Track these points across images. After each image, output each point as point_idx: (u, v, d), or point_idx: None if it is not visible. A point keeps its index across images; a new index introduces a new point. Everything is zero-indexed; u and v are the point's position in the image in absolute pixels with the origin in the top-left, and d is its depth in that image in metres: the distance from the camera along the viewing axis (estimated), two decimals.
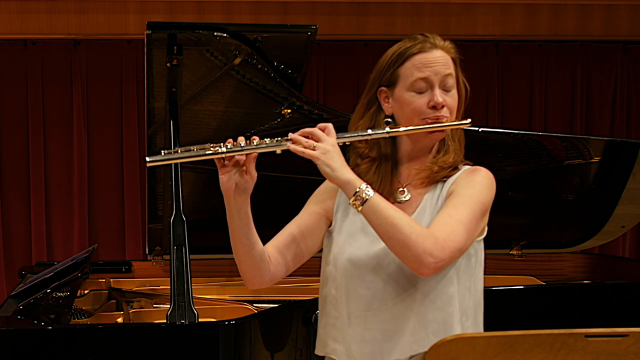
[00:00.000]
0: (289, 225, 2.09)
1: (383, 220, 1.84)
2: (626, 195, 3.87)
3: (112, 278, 3.81)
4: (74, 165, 5.65)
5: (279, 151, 1.90)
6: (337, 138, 1.91)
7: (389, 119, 2.01)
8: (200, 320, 2.87)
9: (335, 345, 2.03)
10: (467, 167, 2.05)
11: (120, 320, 3.22)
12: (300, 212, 2.10)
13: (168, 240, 3.04)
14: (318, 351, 2.11)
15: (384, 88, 2.01)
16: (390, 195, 2.00)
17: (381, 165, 2.01)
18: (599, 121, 6.03)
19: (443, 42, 2.02)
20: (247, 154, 1.92)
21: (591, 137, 4.48)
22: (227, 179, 1.93)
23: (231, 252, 3.58)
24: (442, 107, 1.97)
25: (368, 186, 1.86)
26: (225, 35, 3.18)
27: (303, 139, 1.88)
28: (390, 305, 1.95)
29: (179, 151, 1.88)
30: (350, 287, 1.99)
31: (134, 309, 3.35)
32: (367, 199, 1.84)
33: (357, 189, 1.85)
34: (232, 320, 2.88)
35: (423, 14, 5.72)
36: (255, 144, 1.90)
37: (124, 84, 5.67)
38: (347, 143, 1.97)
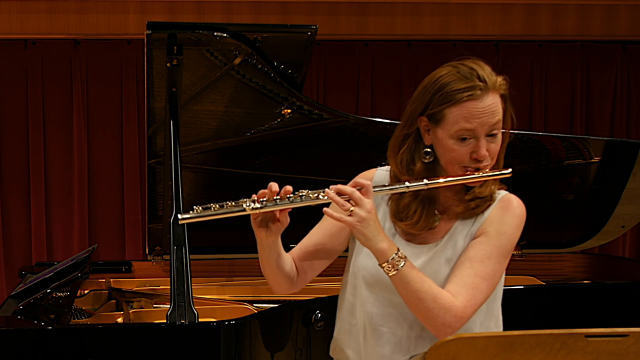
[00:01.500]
0: (314, 232, 2.09)
1: (410, 293, 1.86)
2: (626, 195, 3.87)
3: (112, 278, 3.81)
4: (74, 165, 5.65)
5: (313, 205, 1.87)
6: (375, 191, 1.88)
7: (429, 149, 1.96)
8: (200, 320, 2.87)
9: (349, 351, 2.04)
10: (500, 194, 2.01)
11: (120, 320, 3.22)
12: (321, 222, 2.09)
13: (168, 240, 3.04)
14: (332, 354, 2.11)
15: (425, 118, 1.95)
16: (428, 218, 1.99)
17: (424, 203, 1.98)
18: (599, 121, 6.03)
19: (495, 80, 1.94)
20: (280, 210, 1.89)
21: (591, 137, 4.48)
22: (258, 224, 1.92)
23: (231, 252, 3.58)
24: (484, 158, 1.92)
25: (400, 256, 1.85)
26: (225, 35, 3.18)
27: (340, 200, 1.84)
28: (405, 325, 1.97)
29: (213, 207, 1.88)
30: (368, 301, 1.99)
31: (134, 309, 3.35)
32: (397, 270, 1.85)
33: (390, 259, 1.85)
34: (233, 320, 2.89)
35: (423, 14, 5.72)
36: (289, 198, 1.86)
37: (124, 84, 5.66)
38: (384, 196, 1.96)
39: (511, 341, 1.67)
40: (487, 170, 1.94)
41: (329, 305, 3.05)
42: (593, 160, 3.80)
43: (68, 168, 5.67)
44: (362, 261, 2.01)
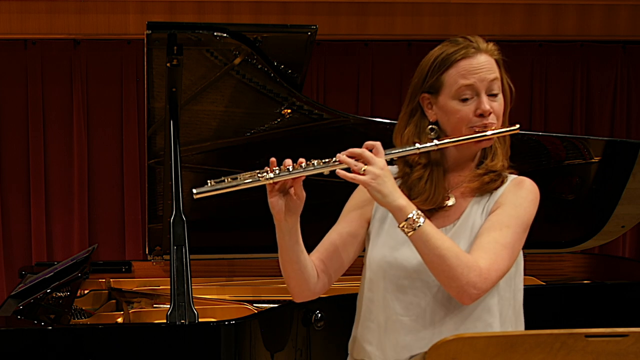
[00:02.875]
0: (330, 235, 2.07)
1: (431, 251, 1.83)
2: (626, 195, 3.87)
3: (112, 278, 3.81)
4: (74, 165, 5.65)
5: (326, 172, 1.85)
6: (386, 154, 1.87)
7: (434, 126, 1.97)
8: (200, 320, 2.87)
9: (370, 348, 2.02)
10: (512, 176, 2.02)
11: (120, 320, 3.22)
12: (339, 220, 2.08)
13: (168, 240, 3.04)
14: (352, 354, 2.10)
15: (426, 95, 1.97)
16: (437, 199, 1.98)
17: (433, 172, 1.97)
18: (599, 121, 6.03)
19: (486, 44, 1.99)
20: (294, 178, 1.87)
21: (591, 137, 4.47)
22: (276, 202, 1.91)
23: (231, 252, 3.59)
24: (490, 114, 1.93)
25: (419, 213, 1.84)
26: (225, 35, 3.18)
27: (352, 161, 1.83)
28: (428, 313, 1.96)
29: (226, 180, 1.87)
30: (388, 292, 1.98)
31: (134, 309, 3.35)
32: (417, 227, 1.83)
33: (409, 216, 1.83)
34: (233, 320, 2.89)
35: (423, 14, 5.72)
36: (302, 166, 1.85)
37: (124, 84, 5.66)
38: (394, 159, 1.94)
39: (511, 341, 1.68)
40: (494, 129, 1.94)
41: (329, 305, 3.05)
42: (593, 160, 3.80)
43: (68, 168, 5.68)
44: (377, 252, 2.00)
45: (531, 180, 2.01)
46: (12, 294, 3.32)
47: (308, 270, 1.99)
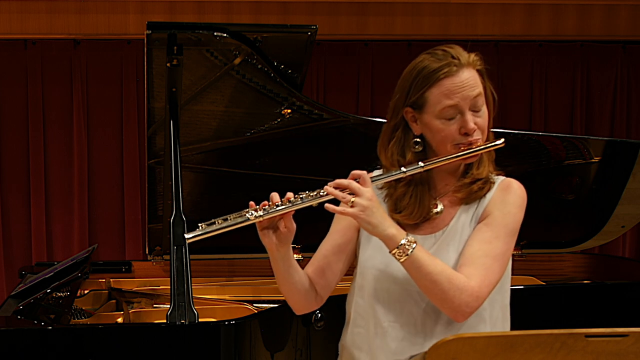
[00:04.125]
0: (322, 247, 2.08)
1: (424, 276, 1.85)
2: (626, 195, 3.87)
3: (112, 278, 3.81)
4: (74, 165, 5.65)
5: (315, 205, 1.85)
6: (372, 181, 1.87)
7: (418, 139, 1.97)
8: (200, 320, 2.87)
9: (360, 354, 2.03)
10: (499, 178, 2.03)
11: (120, 320, 3.22)
12: (330, 232, 2.09)
13: (168, 240, 3.04)
14: (341, 353, 2.10)
15: (410, 109, 1.97)
16: (425, 207, 1.99)
17: (417, 187, 1.98)
18: (599, 121, 6.03)
19: (468, 56, 1.97)
20: (282, 215, 1.87)
21: (591, 137, 4.47)
22: (266, 236, 1.90)
23: (231, 252, 3.59)
24: (474, 131, 1.93)
25: (410, 240, 1.84)
26: (225, 35, 3.18)
27: (339, 194, 1.83)
28: (419, 320, 1.96)
29: (217, 222, 1.85)
30: (379, 299, 1.98)
31: (134, 309, 3.35)
32: (408, 254, 1.84)
33: (400, 244, 1.84)
34: (233, 320, 2.89)
35: (423, 14, 5.72)
36: (290, 201, 1.85)
37: (124, 84, 5.66)
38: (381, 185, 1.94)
39: (511, 341, 1.67)
40: (480, 144, 1.95)
41: (329, 305, 3.04)
42: (593, 160, 3.80)
43: (68, 168, 5.67)
44: (369, 260, 2.00)
45: (518, 182, 2.03)
46: (12, 294, 3.32)
47: (305, 287, 2.01)
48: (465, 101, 1.92)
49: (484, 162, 2.00)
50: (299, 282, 1.99)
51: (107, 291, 3.68)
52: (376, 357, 1.98)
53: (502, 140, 1.98)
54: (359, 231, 2.05)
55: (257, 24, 5.10)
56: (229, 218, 1.86)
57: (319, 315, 3.03)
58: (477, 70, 1.98)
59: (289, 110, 3.50)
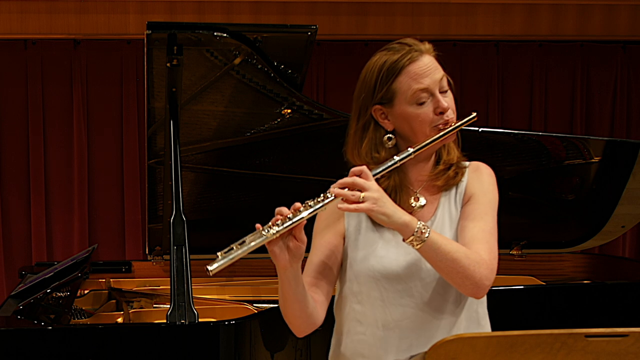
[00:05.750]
0: (312, 263, 2.04)
1: (443, 257, 1.85)
2: (626, 195, 3.87)
3: (112, 278, 3.82)
4: (74, 165, 5.65)
5: (325, 210, 1.84)
6: (373, 174, 1.87)
7: (390, 135, 1.98)
8: (200, 320, 2.87)
9: None
10: (467, 163, 2.07)
11: (120, 320, 3.22)
12: (313, 248, 2.05)
13: (168, 240, 3.04)
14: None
15: (378, 106, 1.98)
16: (405, 205, 1.98)
17: (395, 181, 1.98)
18: (599, 121, 6.03)
19: (425, 44, 2.01)
20: (297, 224, 1.83)
21: (591, 137, 4.47)
22: (279, 252, 1.85)
23: None
24: (448, 109, 1.96)
25: (424, 225, 1.85)
26: (225, 35, 3.18)
27: (348, 193, 1.82)
28: (420, 315, 1.96)
29: (235, 247, 1.80)
30: (380, 299, 1.97)
31: (134, 309, 3.35)
32: (425, 239, 1.84)
33: (415, 230, 1.83)
34: (232, 320, 2.89)
35: (423, 14, 5.72)
36: (300, 211, 1.82)
37: (124, 84, 5.67)
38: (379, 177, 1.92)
39: (511, 341, 1.67)
40: (456, 121, 1.98)
41: (329, 305, 3.05)
42: (593, 160, 3.80)
43: (68, 168, 5.68)
44: (363, 264, 1.99)
45: (484, 163, 2.08)
46: (12, 294, 3.32)
47: (310, 306, 1.96)
48: (434, 83, 1.95)
49: (452, 147, 2.04)
50: (306, 300, 1.94)
51: (107, 291, 3.68)
52: (384, 358, 1.98)
53: (475, 113, 2.01)
54: (344, 239, 2.04)
55: (257, 24, 5.10)
56: (245, 241, 1.80)
57: None
58: (435, 57, 2.03)
59: (289, 110, 3.51)
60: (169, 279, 2.95)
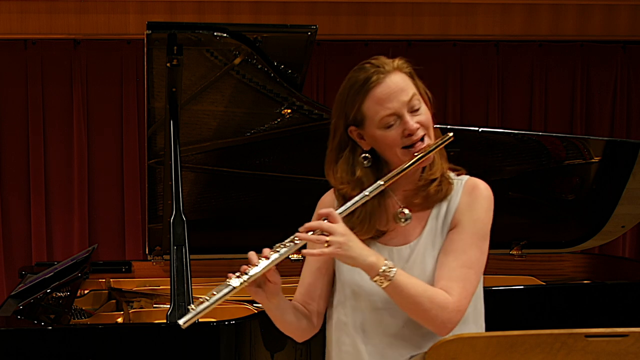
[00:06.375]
0: (305, 274, 2.09)
1: (405, 299, 1.86)
2: (626, 195, 3.87)
3: (112, 278, 3.81)
4: (74, 165, 5.65)
5: (293, 257, 1.88)
6: (341, 213, 1.88)
7: (367, 154, 1.98)
8: (200, 320, 2.86)
9: None
10: (462, 179, 2.01)
11: (120, 320, 3.22)
12: (307, 260, 2.09)
13: (168, 240, 3.04)
14: None
15: (353, 127, 1.97)
16: (387, 222, 1.99)
17: (367, 202, 1.96)
18: (599, 121, 6.03)
19: (393, 62, 1.96)
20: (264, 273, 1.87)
21: (591, 137, 4.48)
22: (255, 293, 1.92)
23: (231, 252, 3.58)
24: (417, 129, 1.93)
25: (390, 266, 1.85)
26: (225, 35, 3.18)
27: (313, 237, 1.83)
28: (401, 328, 1.96)
29: (206, 299, 1.83)
30: (365, 313, 1.98)
31: (134, 309, 3.35)
32: (390, 280, 1.84)
33: (380, 271, 1.84)
34: (233, 320, 2.89)
35: (423, 14, 5.72)
36: (270, 258, 1.85)
37: (124, 84, 5.66)
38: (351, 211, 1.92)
39: (511, 341, 1.68)
40: (429, 143, 1.95)
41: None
42: (593, 160, 3.80)
43: (68, 168, 5.68)
44: (347, 276, 2.00)
45: (483, 182, 2.01)
46: (12, 294, 3.32)
47: (301, 320, 2.04)
48: (400, 105, 1.92)
49: (435, 161, 1.99)
50: (294, 320, 2.02)
51: (107, 291, 3.68)
52: None
53: (451, 134, 1.97)
54: None
55: (257, 24, 5.10)
56: (215, 292, 1.84)
57: None
58: (407, 73, 1.97)
59: (289, 110, 3.50)
60: (169, 279, 2.95)
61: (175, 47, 3.15)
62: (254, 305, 3.28)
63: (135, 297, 3.52)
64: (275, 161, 3.71)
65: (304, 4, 5.62)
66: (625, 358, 1.68)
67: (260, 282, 1.89)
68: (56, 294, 3.25)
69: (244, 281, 1.83)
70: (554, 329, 1.67)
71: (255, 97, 3.44)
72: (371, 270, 1.85)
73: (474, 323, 2.01)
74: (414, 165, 1.92)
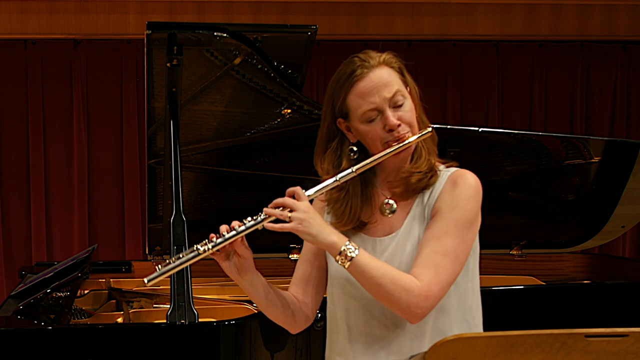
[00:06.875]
0: (299, 264, 2.11)
1: (367, 280, 1.85)
2: (626, 195, 3.87)
3: (112, 278, 3.82)
4: (74, 165, 5.65)
5: (260, 228, 1.88)
6: (308, 195, 1.89)
7: (354, 147, 1.98)
8: (200, 320, 2.87)
9: (340, 359, 2.03)
10: (450, 171, 2.00)
11: (120, 320, 3.22)
12: (302, 252, 2.12)
13: (168, 240, 3.04)
14: None
15: (341, 119, 1.98)
16: (371, 213, 1.99)
17: (349, 192, 1.98)
18: (599, 121, 6.03)
19: (380, 57, 1.97)
20: (230, 243, 1.89)
21: (591, 137, 4.48)
22: (227, 267, 1.94)
23: None
24: (399, 125, 1.92)
25: (351, 246, 1.85)
26: (225, 35, 3.18)
27: (277, 212, 1.85)
28: (388, 319, 1.96)
29: (172, 261, 1.87)
30: (349, 304, 2.00)
31: (134, 309, 3.35)
32: (351, 259, 1.84)
33: (341, 249, 1.84)
34: (233, 320, 2.89)
35: (423, 14, 5.72)
36: (235, 229, 1.88)
37: (124, 84, 5.67)
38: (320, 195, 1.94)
39: (511, 341, 1.68)
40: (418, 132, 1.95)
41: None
42: (593, 160, 3.80)
43: (68, 168, 5.68)
44: (335, 267, 2.00)
45: (471, 173, 1.98)
46: (12, 294, 3.33)
47: (289, 309, 2.04)
48: (382, 100, 1.92)
49: (421, 155, 1.98)
50: (280, 304, 2.02)
51: (107, 291, 3.68)
52: (355, 358, 1.99)
53: (430, 129, 1.96)
54: None
55: (257, 24, 5.10)
56: (181, 256, 1.88)
57: (319, 315, 3.03)
58: (394, 68, 1.98)
59: (289, 110, 3.51)
60: (169, 279, 2.95)
61: (175, 47, 3.15)
62: (254, 305, 3.28)
63: (135, 297, 3.52)
64: (275, 161, 3.72)
65: (304, 4, 5.62)
66: (625, 358, 1.68)
67: (229, 254, 1.92)
68: (56, 294, 3.25)
69: (209, 248, 1.86)
70: (554, 329, 1.67)
71: (255, 97, 3.44)
72: (332, 249, 1.85)
73: (473, 317, 1.99)
74: (388, 155, 1.92)
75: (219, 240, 1.88)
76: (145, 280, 1.88)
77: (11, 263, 5.67)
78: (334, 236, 1.86)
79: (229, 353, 2.84)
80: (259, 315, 3.04)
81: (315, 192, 1.92)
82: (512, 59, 5.92)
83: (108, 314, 3.36)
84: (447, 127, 3.63)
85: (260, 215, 1.88)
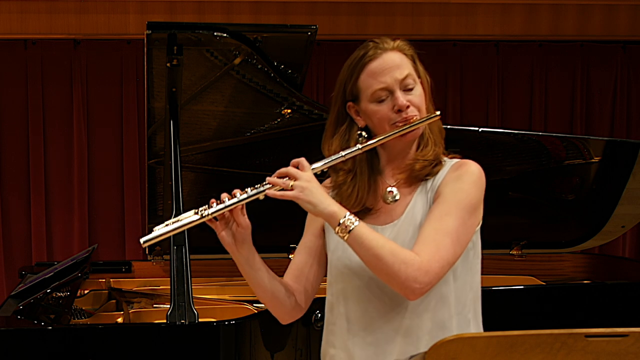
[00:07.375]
0: (296, 253, 2.10)
1: (367, 251, 1.84)
2: (626, 195, 3.87)
3: (112, 278, 3.82)
4: (74, 165, 5.66)
5: (261, 197, 1.88)
6: (312, 168, 1.90)
7: (362, 132, 1.99)
8: (200, 320, 2.87)
9: (334, 351, 2.03)
10: (453, 161, 2.02)
11: (120, 320, 3.22)
12: (303, 235, 2.11)
13: (168, 240, 3.04)
14: (322, 358, 2.11)
15: (351, 103, 2.00)
16: (375, 200, 2.00)
17: (357, 175, 1.99)
18: (599, 121, 6.03)
19: (393, 42, 1.98)
20: (230, 210, 1.90)
21: (591, 137, 4.48)
22: (225, 235, 1.95)
23: None
24: (408, 107, 1.94)
25: (352, 217, 1.85)
26: (225, 35, 3.18)
27: (280, 181, 1.86)
28: (387, 309, 1.95)
29: (169, 224, 1.88)
30: (347, 294, 1.99)
31: (134, 309, 3.35)
32: (351, 229, 1.84)
33: (341, 220, 1.84)
34: (233, 320, 2.89)
35: (423, 14, 5.72)
36: (237, 197, 1.88)
37: (124, 84, 5.67)
38: (324, 170, 1.95)
39: (511, 341, 1.68)
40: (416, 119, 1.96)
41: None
42: (593, 160, 3.81)
43: (68, 168, 5.68)
44: (334, 256, 2.02)
45: (474, 162, 1.99)
46: (12, 294, 3.33)
47: (281, 294, 2.02)
48: (394, 81, 1.94)
49: (428, 144, 2.00)
50: (273, 288, 2.00)
51: (107, 291, 3.68)
52: (353, 353, 1.98)
53: (438, 113, 1.98)
54: (324, 232, 2.07)
55: (257, 24, 5.10)
56: (179, 219, 1.88)
57: (319, 315, 3.03)
58: (410, 56, 2.00)
59: (289, 110, 3.51)
60: (169, 279, 2.95)
61: (175, 47, 3.15)
62: (254, 305, 3.29)
63: (135, 297, 3.52)
64: (275, 161, 3.69)
65: (304, 4, 5.62)
66: (625, 358, 1.68)
67: (229, 222, 1.92)
68: (56, 294, 3.25)
69: (209, 213, 1.87)
70: (554, 329, 1.67)
71: (255, 97, 3.44)
72: (332, 220, 1.85)
73: (473, 311, 1.99)
74: (395, 135, 1.94)
75: (220, 206, 1.88)
76: (142, 240, 1.87)
77: (11, 263, 5.67)
78: (335, 206, 1.86)
79: (229, 353, 2.84)
80: (259, 315, 3.04)
81: (321, 165, 1.93)
82: (512, 59, 5.92)
83: (108, 314, 3.36)
84: (447, 127, 3.63)
85: (263, 184, 1.88)
